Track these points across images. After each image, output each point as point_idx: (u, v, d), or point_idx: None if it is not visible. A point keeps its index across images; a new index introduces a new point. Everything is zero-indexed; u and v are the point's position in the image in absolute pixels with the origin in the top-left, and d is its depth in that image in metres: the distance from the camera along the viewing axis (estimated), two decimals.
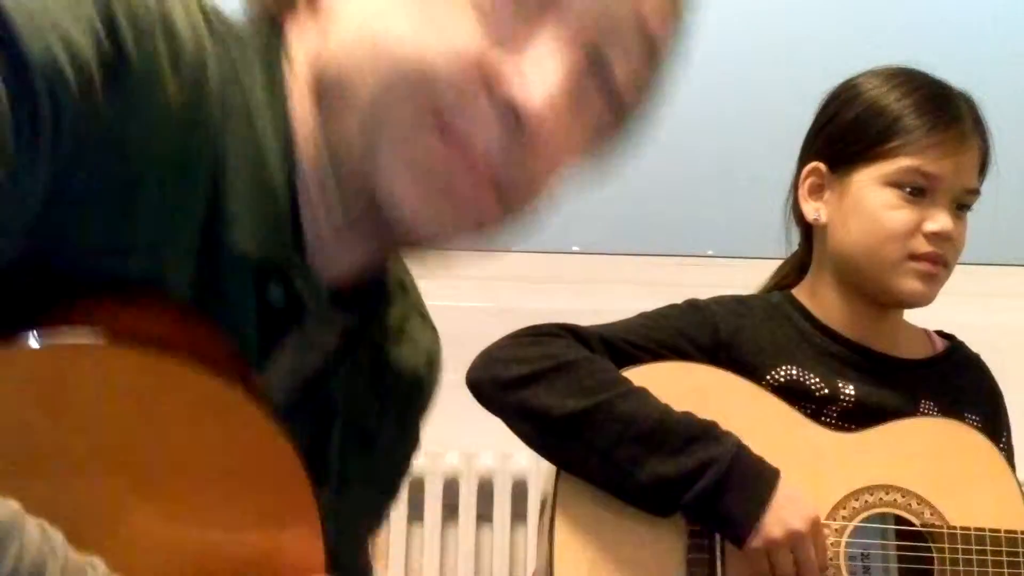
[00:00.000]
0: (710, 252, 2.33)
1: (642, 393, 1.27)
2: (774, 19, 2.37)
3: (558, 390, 1.25)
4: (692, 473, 1.21)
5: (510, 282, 2.25)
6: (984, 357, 1.49)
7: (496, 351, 1.32)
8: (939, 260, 1.32)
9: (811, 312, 1.41)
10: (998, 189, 1.39)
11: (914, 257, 1.32)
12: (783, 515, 1.20)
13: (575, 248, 2.34)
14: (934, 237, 1.31)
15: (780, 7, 2.38)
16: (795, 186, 1.43)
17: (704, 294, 1.45)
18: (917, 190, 1.32)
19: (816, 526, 1.22)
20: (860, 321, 1.39)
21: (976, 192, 1.36)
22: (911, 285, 1.33)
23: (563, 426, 1.25)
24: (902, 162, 1.31)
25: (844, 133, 1.37)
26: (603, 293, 2.22)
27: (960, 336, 1.50)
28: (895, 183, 1.32)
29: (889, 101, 1.34)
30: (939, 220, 1.31)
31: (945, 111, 1.33)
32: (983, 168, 1.37)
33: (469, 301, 2.19)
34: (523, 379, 1.27)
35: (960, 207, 1.35)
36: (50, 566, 0.46)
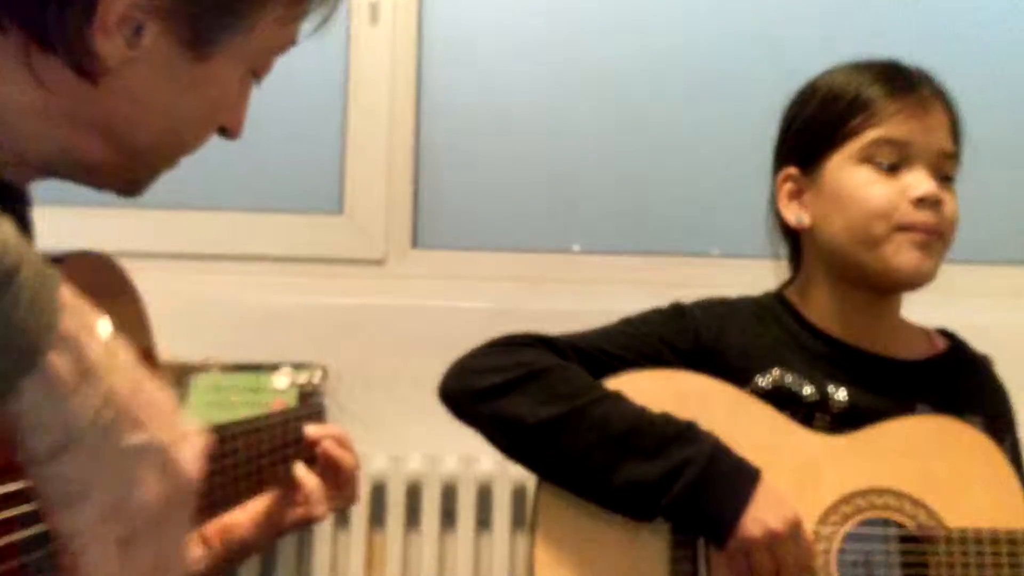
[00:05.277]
0: (714, 252, 2.30)
1: (616, 397, 1.25)
2: (776, 19, 2.35)
3: (531, 398, 1.24)
4: (668, 475, 1.19)
5: (510, 282, 2.24)
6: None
7: (469, 361, 1.31)
8: (931, 229, 1.28)
9: (801, 313, 1.38)
10: (997, 188, 1.37)
11: (903, 228, 1.28)
12: (761, 514, 1.18)
13: (575, 248, 2.32)
14: (920, 203, 1.27)
15: (782, 6, 2.36)
16: (773, 196, 1.41)
17: (707, 294, 1.44)
18: (892, 165, 1.30)
19: (796, 527, 1.19)
20: (854, 321, 1.36)
21: (954, 156, 1.33)
22: (905, 257, 1.28)
23: (537, 434, 1.24)
24: (869, 135, 1.30)
25: (808, 126, 1.36)
26: (603, 293, 2.21)
27: (965, 336, 1.46)
28: (867, 158, 1.30)
29: (845, 83, 1.34)
30: (921, 184, 1.28)
31: (900, 79, 1.33)
32: (956, 134, 1.34)
33: (469, 301, 2.18)
34: (496, 388, 1.26)
35: (944, 178, 1.32)
36: None
